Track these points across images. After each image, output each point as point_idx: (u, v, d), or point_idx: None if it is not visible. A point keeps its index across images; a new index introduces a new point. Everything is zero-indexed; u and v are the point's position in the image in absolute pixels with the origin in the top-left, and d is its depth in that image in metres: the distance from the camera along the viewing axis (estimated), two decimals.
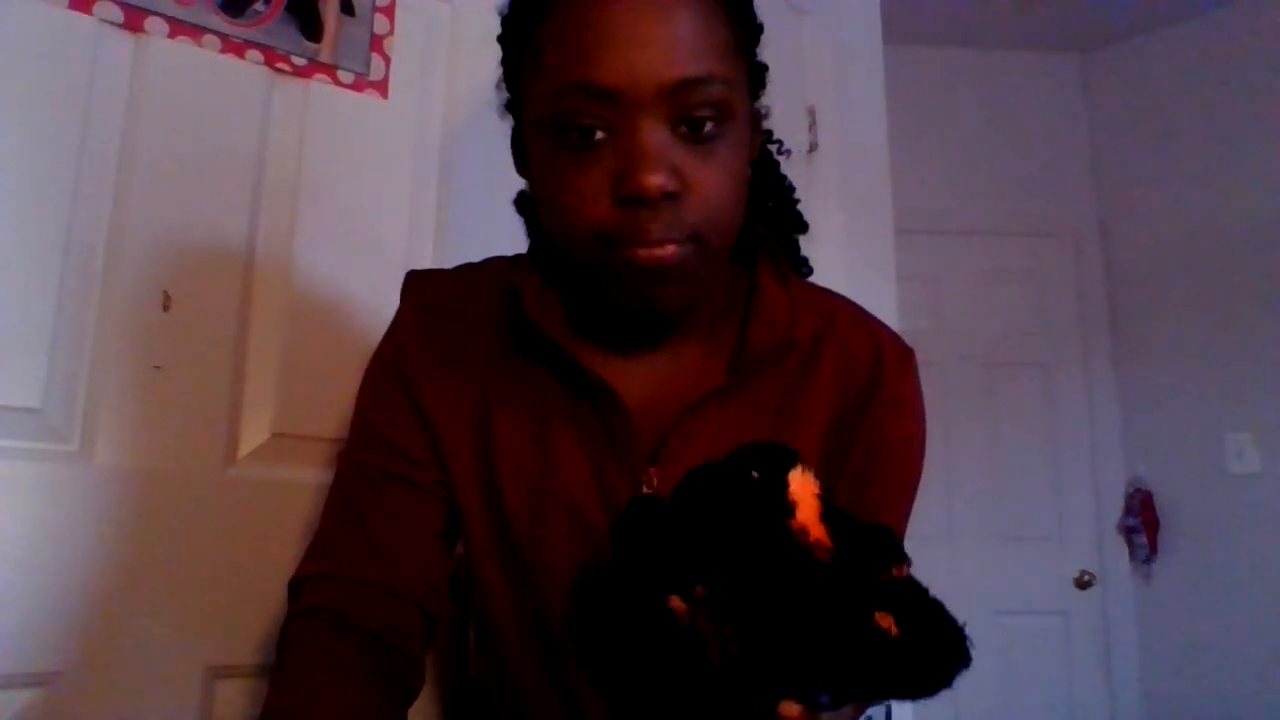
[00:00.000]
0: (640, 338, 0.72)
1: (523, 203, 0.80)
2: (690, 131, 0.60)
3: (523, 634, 0.71)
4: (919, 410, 0.75)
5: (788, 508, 0.48)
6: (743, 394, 0.70)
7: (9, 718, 0.82)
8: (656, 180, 0.57)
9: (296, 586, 0.72)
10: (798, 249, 0.80)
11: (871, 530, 0.50)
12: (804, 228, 0.80)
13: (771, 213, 0.79)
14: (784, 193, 0.80)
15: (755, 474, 0.49)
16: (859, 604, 0.44)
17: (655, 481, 0.68)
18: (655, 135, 0.58)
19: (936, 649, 0.44)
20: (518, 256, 0.77)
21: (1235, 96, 2.77)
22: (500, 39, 0.68)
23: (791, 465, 0.50)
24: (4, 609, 0.83)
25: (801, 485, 0.49)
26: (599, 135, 0.59)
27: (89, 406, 0.89)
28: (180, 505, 0.93)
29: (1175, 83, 2.91)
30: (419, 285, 0.77)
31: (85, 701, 0.86)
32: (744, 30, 0.65)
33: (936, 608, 0.46)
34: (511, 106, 0.70)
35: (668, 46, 0.58)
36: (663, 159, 0.58)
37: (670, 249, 0.60)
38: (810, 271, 0.81)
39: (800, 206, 0.82)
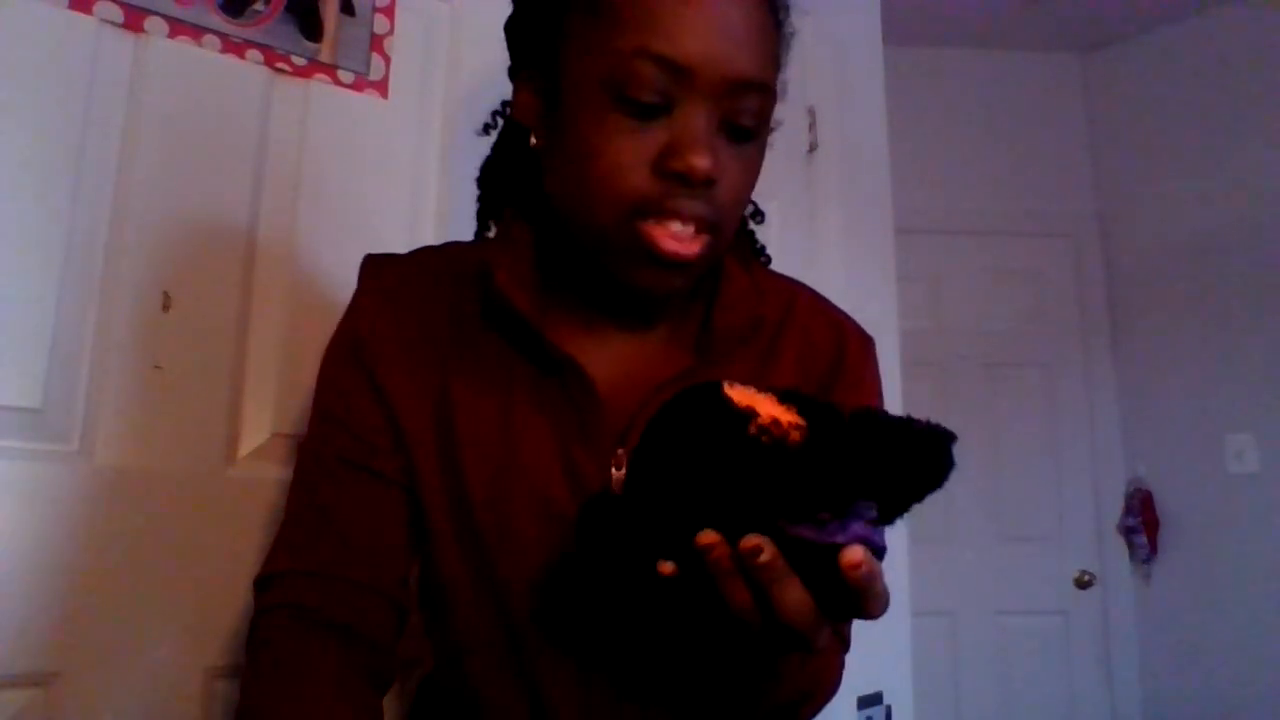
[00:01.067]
0: (616, 317, 0.72)
1: (487, 174, 0.79)
2: (732, 129, 0.62)
3: (485, 628, 0.70)
4: (879, 394, 0.77)
5: (744, 416, 0.47)
6: (707, 376, 0.70)
7: (9, 718, 0.82)
8: (706, 164, 0.59)
9: (264, 583, 0.71)
10: (754, 238, 0.82)
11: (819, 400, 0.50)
12: (760, 217, 0.82)
13: None
14: None
15: (693, 421, 0.49)
16: (856, 442, 0.45)
17: (624, 463, 0.67)
18: (710, 121, 0.61)
19: (933, 440, 0.46)
20: (479, 238, 0.78)
21: (1235, 96, 2.77)
22: None
23: (719, 390, 0.49)
24: (4, 609, 0.83)
25: (743, 395, 0.49)
26: (656, 107, 0.60)
27: (89, 406, 0.89)
28: (180, 505, 0.93)
29: (1175, 83, 2.91)
30: (375, 269, 0.76)
31: (85, 701, 0.86)
32: (784, 50, 0.69)
33: (904, 419, 0.47)
34: (535, 53, 0.68)
35: (744, 45, 0.61)
36: (711, 146, 0.60)
37: (696, 246, 0.62)
38: (769, 260, 0.82)
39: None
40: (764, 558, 0.46)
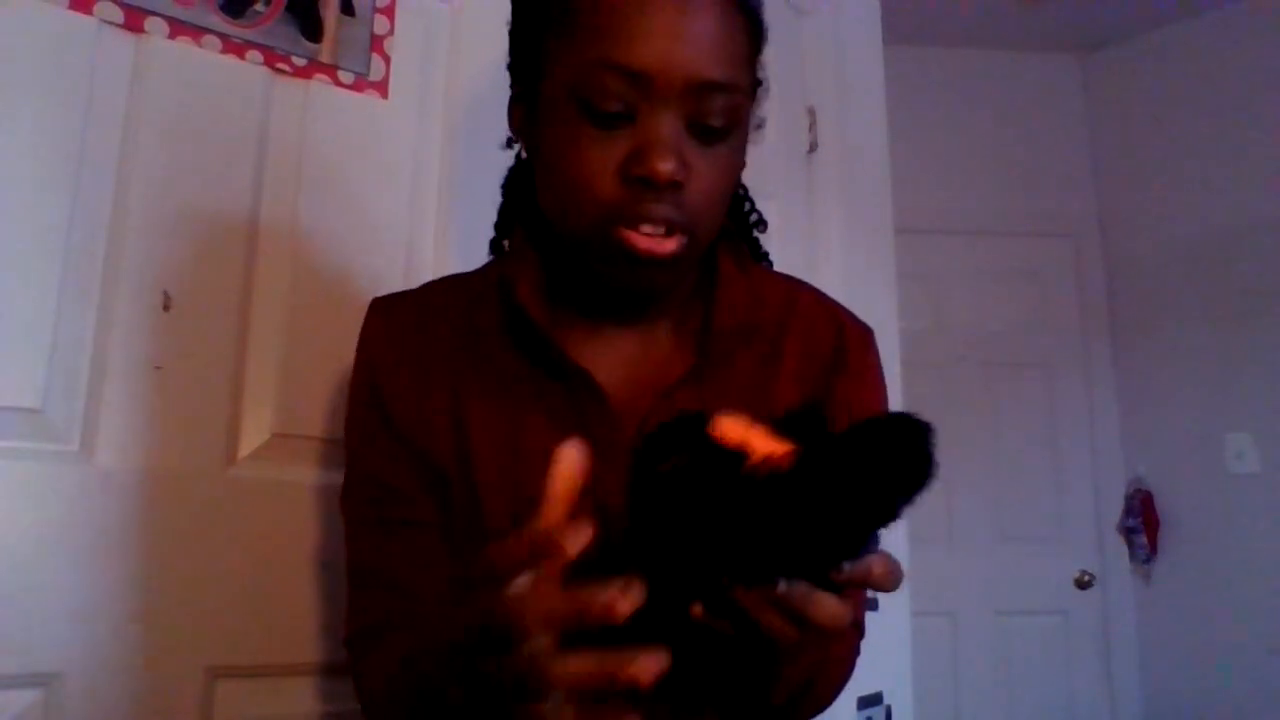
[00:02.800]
0: (616, 316, 0.73)
1: (510, 183, 0.82)
2: (701, 130, 0.63)
3: None
4: (881, 384, 0.79)
5: (739, 456, 0.46)
6: (713, 377, 0.72)
7: (9, 718, 0.82)
8: (669, 167, 0.60)
9: (350, 643, 0.73)
10: (759, 244, 0.84)
11: (805, 411, 0.49)
12: (763, 225, 0.84)
13: (735, 212, 0.82)
14: (744, 195, 0.83)
15: (676, 459, 0.47)
16: (844, 470, 0.44)
17: None
18: (673, 125, 0.62)
19: (916, 445, 0.45)
20: (494, 247, 0.81)
21: (1235, 96, 2.77)
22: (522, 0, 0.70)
23: (704, 426, 0.47)
24: (4, 609, 0.83)
25: (732, 428, 0.47)
26: (620, 115, 0.62)
27: (89, 406, 0.89)
28: (180, 505, 0.93)
29: (1175, 83, 2.91)
30: (382, 308, 0.77)
31: (85, 701, 0.86)
32: (758, 44, 0.69)
33: (883, 425, 0.45)
34: (520, 68, 0.71)
35: (701, 46, 0.62)
36: (676, 149, 0.61)
37: (670, 245, 0.63)
38: (771, 264, 0.84)
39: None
40: (784, 589, 0.47)
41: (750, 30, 0.67)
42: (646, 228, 0.62)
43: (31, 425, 0.86)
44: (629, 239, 0.62)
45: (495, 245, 0.84)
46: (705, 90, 0.62)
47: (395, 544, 0.72)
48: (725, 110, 0.63)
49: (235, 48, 1.01)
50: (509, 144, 0.82)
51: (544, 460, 0.69)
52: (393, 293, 0.80)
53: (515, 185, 0.81)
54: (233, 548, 0.95)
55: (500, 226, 0.83)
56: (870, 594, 1.07)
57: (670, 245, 0.63)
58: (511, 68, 0.73)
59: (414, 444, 0.72)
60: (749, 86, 0.66)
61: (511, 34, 0.72)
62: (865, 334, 0.79)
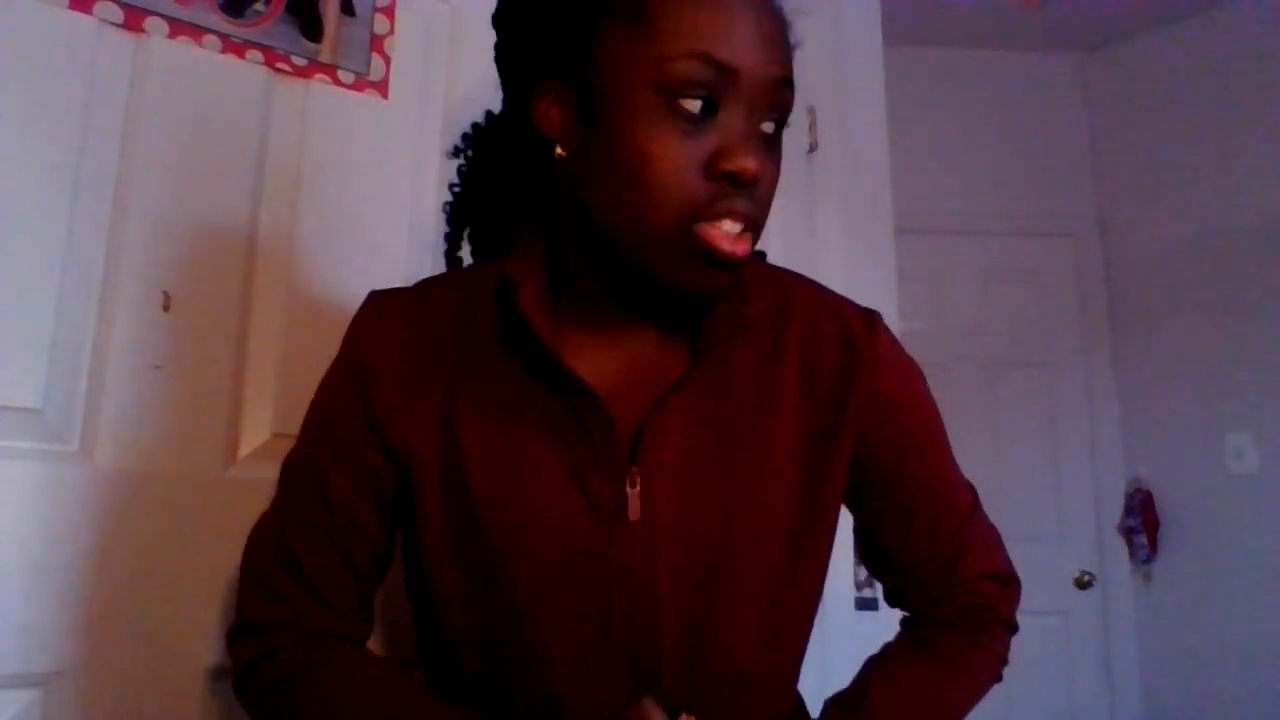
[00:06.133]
0: (664, 320, 0.71)
1: (462, 198, 0.81)
2: (766, 127, 0.64)
3: (492, 653, 0.69)
4: (900, 363, 0.78)
5: None
6: (709, 381, 0.70)
7: (9, 718, 0.82)
8: (755, 165, 0.61)
9: (248, 629, 0.73)
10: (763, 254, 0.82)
11: None
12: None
13: None
14: None
15: None
16: None
17: (637, 481, 0.67)
18: (752, 122, 0.63)
19: None
20: (478, 265, 0.79)
21: (1235, 96, 2.77)
22: None
23: None
24: (4, 609, 0.83)
25: None
26: (705, 110, 0.61)
27: (89, 406, 0.89)
28: (180, 505, 0.93)
29: (1175, 83, 2.91)
30: (377, 301, 0.76)
31: (85, 701, 0.86)
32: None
33: None
34: (554, 62, 0.67)
35: (776, 45, 0.64)
36: (756, 146, 0.63)
37: (746, 246, 0.64)
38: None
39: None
40: None
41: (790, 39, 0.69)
42: (729, 224, 0.62)
43: (31, 425, 0.86)
44: (712, 240, 0.61)
45: (450, 260, 0.83)
46: (779, 87, 0.64)
47: (320, 537, 0.71)
48: (786, 107, 0.65)
49: (235, 47, 1.01)
50: (455, 153, 0.81)
51: (547, 472, 0.68)
52: (391, 288, 0.78)
53: (504, 189, 0.79)
54: (233, 548, 0.95)
55: (452, 240, 0.83)
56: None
57: (745, 245, 0.64)
58: (534, 65, 0.69)
59: (391, 446, 0.70)
60: None
61: (534, 33, 0.69)
62: (869, 320, 0.77)
